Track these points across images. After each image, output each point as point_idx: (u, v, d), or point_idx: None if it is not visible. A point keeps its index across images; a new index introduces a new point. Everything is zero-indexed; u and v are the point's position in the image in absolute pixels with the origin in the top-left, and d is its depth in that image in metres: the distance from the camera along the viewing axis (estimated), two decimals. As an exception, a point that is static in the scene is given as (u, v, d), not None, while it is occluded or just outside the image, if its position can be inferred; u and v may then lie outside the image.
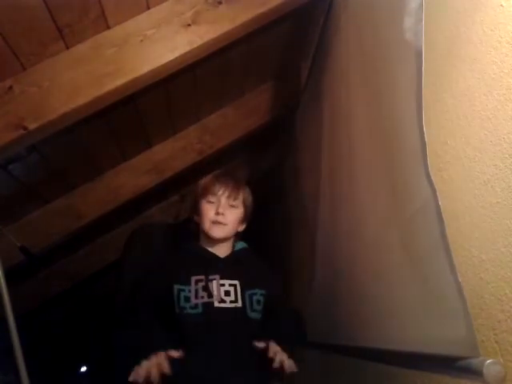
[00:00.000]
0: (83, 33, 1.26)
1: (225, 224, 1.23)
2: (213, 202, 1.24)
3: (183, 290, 1.17)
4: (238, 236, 1.33)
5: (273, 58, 1.97)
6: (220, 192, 1.24)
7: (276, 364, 1.05)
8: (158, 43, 1.33)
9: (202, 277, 1.18)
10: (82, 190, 2.00)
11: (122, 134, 1.83)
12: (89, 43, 1.29)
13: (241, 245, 1.32)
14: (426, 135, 0.69)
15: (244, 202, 1.28)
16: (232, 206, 1.25)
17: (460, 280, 0.61)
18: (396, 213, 0.83)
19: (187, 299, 1.16)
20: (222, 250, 1.26)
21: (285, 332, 1.19)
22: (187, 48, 1.35)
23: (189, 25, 1.35)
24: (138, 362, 1.02)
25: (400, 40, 0.81)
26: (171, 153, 2.09)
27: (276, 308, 1.24)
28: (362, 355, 1.10)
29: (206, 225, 1.23)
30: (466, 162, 0.76)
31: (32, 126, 1.23)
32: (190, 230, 1.31)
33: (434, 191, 0.66)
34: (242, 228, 1.31)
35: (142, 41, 1.32)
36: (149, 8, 1.33)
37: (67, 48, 1.28)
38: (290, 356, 1.09)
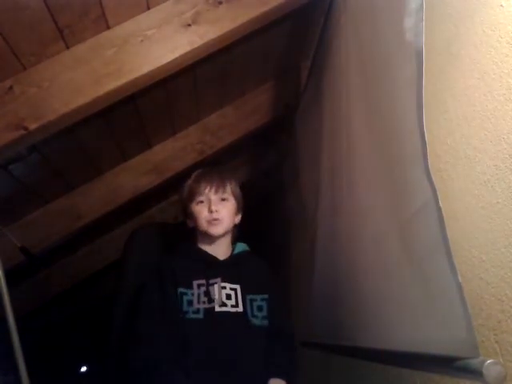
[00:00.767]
0: (83, 33, 1.26)
1: (220, 219, 1.21)
2: (203, 202, 1.22)
3: (186, 294, 1.15)
4: (236, 231, 1.31)
5: (273, 58, 1.97)
6: (207, 189, 1.22)
7: None
8: (158, 43, 1.33)
9: (203, 281, 1.17)
10: (81, 190, 2.00)
11: (121, 134, 1.83)
12: (89, 43, 1.29)
13: (241, 247, 1.31)
14: (426, 135, 0.69)
15: (233, 193, 1.27)
16: (223, 200, 1.23)
17: (460, 280, 0.61)
18: (396, 213, 0.83)
19: (190, 303, 1.14)
20: (221, 251, 1.24)
21: (280, 366, 1.18)
22: (187, 48, 1.35)
23: (189, 25, 1.35)
24: None
25: (400, 40, 0.81)
26: (171, 153, 2.09)
27: (273, 328, 1.21)
28: (362, 355, 1.10)
29: (203, 225, 1.21)
30: (466, 162, 0.76)
31: (32, 126, 1.24)
32: (189, 231, 1.29)
33: (434, 191, 0.66)
34: (238, 219, 1.29)
35: (142, 41, 1.32)
36: (149, 8, 1.33)
37: (67, 48, 1.28)
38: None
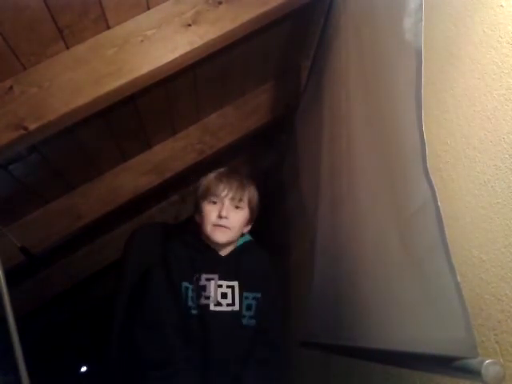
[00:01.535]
0: (83, 33, 1.26)
1: (228, 228, 1.15)
2: (215, 203, 1.16)
3: (188, 288, 1.14)
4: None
5: (273, 58, 1.97)
6: (223, 193, 1.16)
7: None
8: (158, 43, 1.33)
9: (202, 275, 1.15)
10: (82, 190, 2.00)
11: (122, 134, 1.83)
12: (89, 43, 1.29)
13: (244, 237, 1.27)
14: (425, 135, 0.69)
15: (249, 203, 1.20)
16: (236, 208, 1.17)
17: (459, 280, 0.61)
18: (395, 213, 0.83)
19: (193, 299, 1.13)
20: (224, 250, 1.22)
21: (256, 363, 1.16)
22: (187, 48, 1.35)
23: (189, 25, 1.35)
24: None
25: (400, 40, 0.81)
26: (171, 153, 2.09)
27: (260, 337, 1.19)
28: (362, 355, 1.10)
29: (208, 228, 1.15)
30: (466, 162, 0.76)
31: (32, 126, 1.24)
32: (192, 228, 1.27)
33: (433, 191, 0.66)
34: (247, 229, 1.25)
35: (142, 41, 1.32)
36: (149, 8, 1.33)
37: (67, 48, 1.28)
38: None
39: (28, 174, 1.67)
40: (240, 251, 1.23)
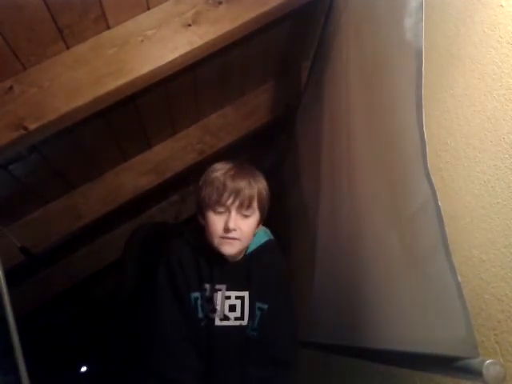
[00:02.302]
0: (83, 33, 1.26)
1: (237, 238, 1.01)
2: (221, 213, 1.00)
3: (198, 299, 1.05)
4: None
5: (273, 58, 1.97)
6: (229, 201, 0.99)
7: None
8: (158, 43, 1.33)
9: (208, 285, 1.05)
10: (82, 190, 2.00)
11: (122, 134, 1.83)
12: (89, 43, 1.29)
13: (260, 238, 1.13)
14: (425, 135, 0.69)
15: (260, 204, 1.05)
16: (245, 216, 1.02)
17: (460, 280, 0.61)
18: (396, 213, 0.83)
19: (203, 309, 1.05)
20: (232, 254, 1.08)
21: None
22: (187, 48, 1.35)
23: (189, 25, 1.35)
24: None
25: (400, 40, 0.81)
26: (171, 153, 2.09)
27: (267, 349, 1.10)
28: (362, 355, 1.10)
29: (215, 241, 1.01)
30: (466, 162, 0.76)
31: (32, 126, 1.23)
32: (195, 229, 1.16)
33: (433, 191, 0.66)
34: (258, 229, 1.10)
35: (142, 41, 1.32)
36: (149, 8, 1.33)
37: (67, 48, 1.28)
38: None
39: (28, 174, 1.67)
40: (253, 256, 1.10)
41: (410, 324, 0.77)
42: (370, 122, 1.00)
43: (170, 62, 1.34)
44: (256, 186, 1.04)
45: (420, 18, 0.74)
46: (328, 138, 1.45)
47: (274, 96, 2.18)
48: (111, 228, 2.57)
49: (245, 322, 1.06)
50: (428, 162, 0.68)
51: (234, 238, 1.01)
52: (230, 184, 1.00)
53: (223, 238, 1.00)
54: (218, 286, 1.05)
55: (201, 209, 1.05)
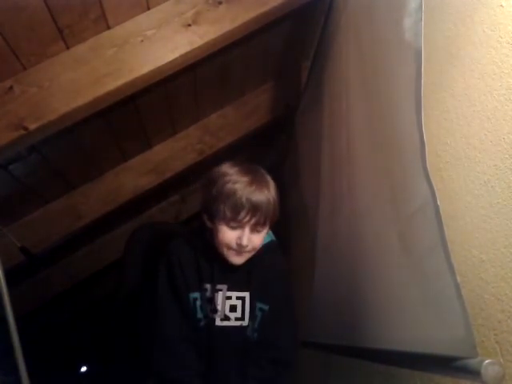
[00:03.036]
0: (83, 33, 1.26)
1: (248, 251, 1.01)
2: (234, 228, 0.98)
3: (197, 299, 1.05)
4: None
5: (273, 58, 1.97)
6: (246, 219, 0.96)
7: None
8: (158, 43, 1.33)
9: (209, 285, 1.05)
10: (82, 190, 2.00)
11: (122, 134, 1.83)
12: (89, 43, 1.29)
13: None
14: (425, 135, 0.69)
15: (272, 220, 1.02)
16: (258, 231, 1.00)
17: (458, 280, 0.61)
18: (395, 213, 0.83)
19: (202, 310, 1.05)
20: None
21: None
22: (187, 48, 1.35)
23: (189, 25, 1.35)
24: None
25: (400, 40, 0.81)
26: (171, 153, 2.10)
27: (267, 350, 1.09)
28: (362, 355, 1.10)
29: (224, 251, 1.01)
30: (466, 161, 0.76)
31: (32, 126, 1.24)
32: (197, 228, 1.14)
33: (432, 191, 0.66)
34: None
35: (142, 41, 1.32)
36: (149, 8, 1.33)
37: (67, 48, 1.28)
38: None
39: (28, 174, 1.67)
40: (254, 256, 1.08)
41: (409, 324, 0.77)
42: (370, 122, 1.00)
43: (170, 62, 1.34)
44: (272, 200, 1.00)
45: (419, 18, 0.74)
46: (328, 138, 1.45)
47: (274, 96, 2.18)
48: (111, 228, 2.57)
49: (245, 323, 1.06)
50: (427, 162, 0.68)
51: (245, 252, 1.00)
52: (248, 202, 0.96)
53: (233, 250, 0.99)
54: (218, 286, 1.05)
55: (211, 214, 1.02)
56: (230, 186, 0.97)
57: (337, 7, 1.35)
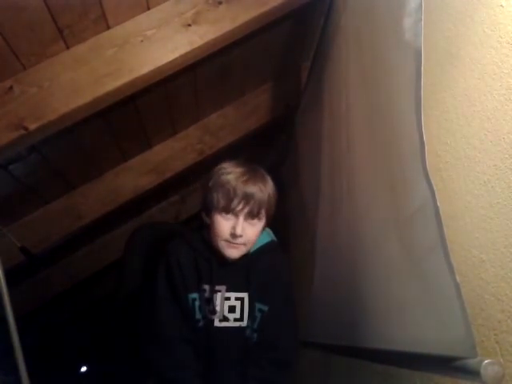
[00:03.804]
0: (83, 33, 1.26)
1: (243, 243, 1.01)
2: (228, 217, 1.00)
3: (196, 300, 1.05)
4: None
5: (273, 59, 1.97)
6: (239, 207, 0.98)
7: None
8: (158, 43, 1.33)
9: (208, 286, 1.04)
10: (82, 190, 2.00)
11: (122, 134, 1.83)
12: (89, 43, 1.29)
13: (261, 239, 1.11)
14: (425, 135, 0.69)
15: (268, 212, 1.04)
16: (253, 222, 1.02)
17: (458, 280, 0.61)
18: (395, 213, 0.83)
19: (200, 310, 1.05)
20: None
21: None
22: (187, 48, 1.35)
23: (189, 25, 1.35)
24: None
25: (399, 40, 0.81)
26: (171, 153, 2.10)
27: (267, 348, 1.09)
28: (362, 355, 1.10)
29: (220, 243, 1.02)
30: (466, 161, 0.76)
31: (32, 126, 1.24)
32: (196, 228, 1.16)
33: (432, 192, 0.66)
34: (262, 231, 1.09)
35: (142, 41, 1.32)
36: (149, 8, 1.33)
37: (67, 48, 1.28)
38: None
39: (28, 174, 1.67)
40: (253, 257, 1.09)
41: (408, 324, 0.77)
42: (370, 123, 1.00)
43: (170, 62, 1.34)
44: (266, 193, 1.03)
45: (419, 18, 0.74)
46: (328, 138, 1.45)
47: (274, 96, 2.18)
48: (111, 228, 2.57)
49: (244, 324, 1.05)
50: (427, 162, 0.68)
51: (238, 244, 1.01)
52: (240, 190, 0.99)
53: (228, 242, 1.00)
54: (217, 287, 1.04)
55: (207, 208, 1.04)
56: (224, 176, 1.01)
57: (337, 7, 1.35)
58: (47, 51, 1.25)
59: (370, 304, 0.98)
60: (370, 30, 1.03)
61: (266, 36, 1.71)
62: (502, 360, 0.64)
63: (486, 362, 0.54)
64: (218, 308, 1.03)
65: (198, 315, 1.05)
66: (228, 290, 1.05)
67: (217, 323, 1.04)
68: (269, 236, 1.15)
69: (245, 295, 1.06)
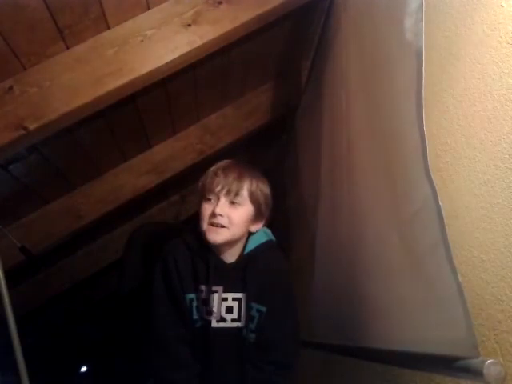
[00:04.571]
0: (83, 33, 1.26)
1: (224, 226, 1.01)
2: (211, 200, 1.03)
3: (193, 300, 1.05)
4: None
5: (273, 58, 1.97)
6: (218, 188, 1.02)
7: None
8: (158, 43, 1.33)
9: (205, 287, 1.04)
10: (82, 190, 2.00)
11: (122, 134, 1.83)
12: (89, 43, 1.29)
13: (258, 238, 1.11)
14: (426, 135, 0.69)
15: (251, 196, 1.04)
16: (233, 203, 1.03)
17: (460, 280, 0.61)
18: (396, 213, 0.83)
19: (198, 311, 1.05)
20: (229, 254, 1.08)
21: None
22: (187, 48, 1.35)
23: (189, 25, 1.35)
24: None
25: (400, 40, 0.81)
26: (171, 153, 2.10)
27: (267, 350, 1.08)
28: (362, 355, 1.10)
29: (204, 227, 1.02)
30: (466, 161, 0.76)
31: (32, 126, 1.23)
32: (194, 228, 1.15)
33: (434, 191, 0.66)
34: (256, 228, 1.09)
35: (142, 41, 1.32)
36: (149, 8, 1.33)
37: (67, 48, 1.28)
38: None
39: (28, 174, 1.67)
40: (250, 256, 1.08)
41: (410, 324, 0.77)
42: (370, 122, 1.00)
43: (170, 62, 1.34)
44: (248, 177, 1.06)
45: (420, 18, 0.74)
46: (328, 138, 1.45)
47: (274, 96, 2.18)
48: (111, 228, 2.57)
49: (241, 324, 1.05)
50: (429, 161, 0.68)
51: (221, 226, 1.01)
52: (220, 172, 1.05)
53: (211, 224, 1.01)
54: (214, 288, 1.04)
55: (198, 203, 1.08)
56: (212, 167, 1.09)
57: (337, 7, 1.35)
58: (47, 51, 1.24)
59: (371, 304, 0.98)
60: (371, 30, 1.03)
61: (266, 36, 1.71)
62: (502, 360, 0.64)
63: (488, 361, 0.54)
64: (215, 309, 1.04)
65: (196, 316, 1.05)
66: (225, 291, 1.05)
67: (214, 324, 1.04)
68: (266, 236, 1.14)
69: (241, 295, 1.06)
